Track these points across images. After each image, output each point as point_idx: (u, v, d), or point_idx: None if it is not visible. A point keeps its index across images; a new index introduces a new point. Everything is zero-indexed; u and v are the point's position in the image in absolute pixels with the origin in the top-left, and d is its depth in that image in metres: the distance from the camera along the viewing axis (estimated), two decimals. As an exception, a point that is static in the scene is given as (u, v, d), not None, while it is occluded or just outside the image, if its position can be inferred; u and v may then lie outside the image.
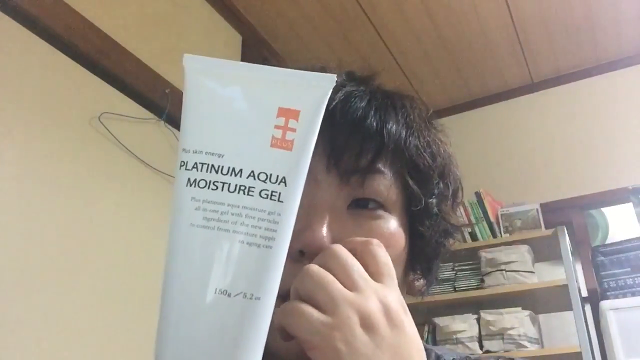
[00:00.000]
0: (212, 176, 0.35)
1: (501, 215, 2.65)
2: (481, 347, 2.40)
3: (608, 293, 2.26)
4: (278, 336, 0.36)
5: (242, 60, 2.39)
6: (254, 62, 0.39)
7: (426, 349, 0.57)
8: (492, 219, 2.64)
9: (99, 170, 1.67)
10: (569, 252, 2.40)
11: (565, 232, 2.43)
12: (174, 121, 1.89)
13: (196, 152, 0.36)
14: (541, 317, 2.47)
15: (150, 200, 1.81)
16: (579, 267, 2.58)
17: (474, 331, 2.44)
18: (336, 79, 0.38)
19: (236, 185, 0.35)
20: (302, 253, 0.43)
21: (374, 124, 0.48)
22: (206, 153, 0.35)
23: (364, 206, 0.48)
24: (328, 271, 0.36)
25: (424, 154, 0.50)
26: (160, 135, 1.90)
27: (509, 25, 2.64)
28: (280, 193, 0.35)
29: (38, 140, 1.50)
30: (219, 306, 0.33)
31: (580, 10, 2.57)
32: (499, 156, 2.99)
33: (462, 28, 2.65)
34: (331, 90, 0.37)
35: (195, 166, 0.35)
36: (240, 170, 0.35)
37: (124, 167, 1.75)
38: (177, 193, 0.35)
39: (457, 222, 0.55)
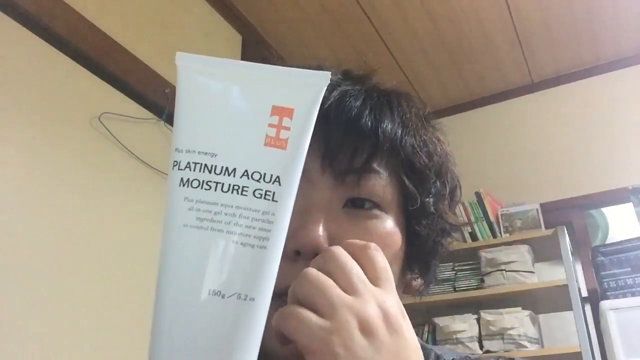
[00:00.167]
0: (205, 176, 0.34)
1: (501, 215, 2.65)
2: (481, 347, 2.40)
3: (608, 293, 2.26)
4: (276, 340, 0.35)
5: (243, 60, 2.38)
6: (253, 62, 0.38)
7: (426, 349, 0.57)
8: (492, 219, 2.64)
9: (99, 170, 1.67)
10: (569, 252, 2.39)
11: (565, 232, 2.43)
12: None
13: (189, 151, 0.35)
14: (541, 317, 2.47)
15: (150, 200, 1.81)
16: (579, 267, 2.58)
17: (474, 331, 2.44)
18: (332, 77, 0.38)
19: (230, 184, 0.34)
20: (298, 253, 0.43)
21: (369, 123, 0.47)
22: (199, 152, 0.35)
23: (360, 206, 0.47)
24: (327, 274, 0.36)
25: (420, 152, 0.50)
26: (160, 135, 1.90)
27: (509, 25, 2.64)
28: (274, 192, 0.34)
29: (38, 140, 1.50)
30: (213, 307, 0.32)
31: (580, 10, 2.56)
32: (499, 156, 2.99)
33: (462, 28, 2.65)
34: (325, 87, 0.37)
35: (188, 166, 0.35)
36: (234, 170, 0.34)
37: (124, 167, 1.75)
38: (170, 193, 0.35)
39: (455, 221, 0.55)
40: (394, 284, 0.39)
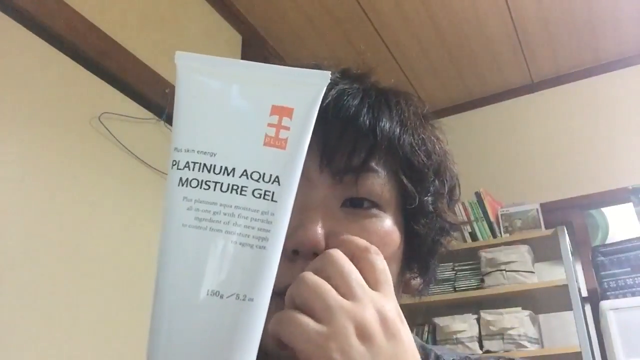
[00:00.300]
0: (204, 175, 0.34)
1: (501, 215, 2.65)
2: (481, 347, 2.40)
3: (608, 293, 2.26)
4: (273, 344, 0.35)
5: (243, 60, 2.38)
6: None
7: (426, 349, 0.57)
8: (492, 219, 2.64)
9: (99, 170, 1.67)
10: (569, 252, 2.39)
11: (565, 232, 2.43)
12: (174, 121, 1.88)
13: (188, 151, 0.35)
14: (541, 317, 2.47)
15: (150, 200, 1.81)
16: (579, 267, 2.58)
17: (474, 331, 2.44)
18: (330, 76, 0.38)
19: (229, 184, 0.34)
20: (296, 252, 0.42)
21: (367, 122, 0.47)
22: (198, 152, 0.35)
23: (358, 205, 0.47)
24: (325, 278, 0.35)
25: (419, 151, 0.49)
26: (160, 135, 1.90)
27: (509, 25, 2.64)
28: (273, 192, 0.34)
29: (38, 140, 1.50)
30: (212, 307, 0.32)
31: (580, 10, 2.56)
32: (499, 156, 2.99)
33: (462, 28, 2.65)
34: (325, 87, 0.37)
35: (187, 165, 0.35)
36: (233, 170, 0.34)
37: (124, 167, 1.75)
38: (168, 193, 0.35)
39: (454, 220, 0.54)
40: (393, 289, 0.39)
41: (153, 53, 1.92)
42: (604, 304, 2.20)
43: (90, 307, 1.53)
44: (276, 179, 0.34)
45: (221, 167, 0.34)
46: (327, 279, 0.35)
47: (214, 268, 0.33)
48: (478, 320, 2.47)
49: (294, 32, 2.65)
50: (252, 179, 0.34)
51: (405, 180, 0.49)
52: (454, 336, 2.45)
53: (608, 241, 2.71)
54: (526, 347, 2.31)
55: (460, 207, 2.60)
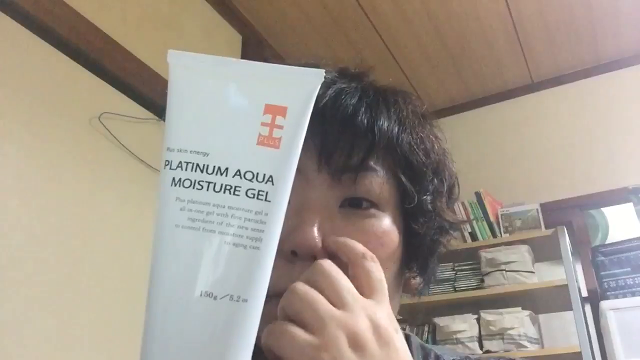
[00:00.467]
0: (197, 175, 0.34)
1: (501, 215, 2.64)
2: (481, 347, 2.40)
3: (608, 293, 2.26)
4: (267, 355, 0.35)
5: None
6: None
7: (426, 349, 0.57)
8: (492, 219, 2.64)
9: (99, 170, 1.67)
10: (569, 252, 2.39)
11: (565, 232, 2.43)
12: (174, 121, 1.89)
13: (181, 150, 0.34)
14: (541, 317, 2.46)
15: (150, 199, 1.80)
16: (579, 267, 2.58)
17: (474, 331, 2.44)
18: (327, 75, 0.37)
19: (222, 184, 0.34)
20: (295, 253, 0.42)
21: (365, 121, 0.47)
22: (191, 152, 0.34)
23: (356, 206, 0.47)
24: (316, 288, 0.35)
25: (417, 150, 0.49)
26: (160, 135, 1.88)
27: (509, 25, 2.64)
28: (267, 192, 0.34)
29: (38, 140, 1.50)
30: (205, 309, 0.32)
31: (580, 10, 2.56)
32: (499, 156, 2.98)
33: (462, 28, 2.65)
34: (319, 85, 0.36)
35: (179, 165, 0.34)
36: (226, 169, 0.34)
37: (124, 167, 1.75)
38: (161, 193, 0.34)
39: (453, 219, 0.54)
40: (387, 296, 0.38)
41: (153, 53, 1.92)
42: (604, 304, 2.20)
43: (90, 306, 1.53)
44: (270, 179, 0.34)
45: (214, 167, 0.34)
46: (318, 290, 0.35)
47: (207, 269, 0.32)
48: (478, 320, 2.46)
49: (294, 32, 2.65)
50: (245, 178, 0.34)
51: (404, 179, 0.48)
52: (454, 336, 2.45)
53: (608, 241, 2.70)
54: (526, 347, 2.31)
55: (461, 207, 2.59)
